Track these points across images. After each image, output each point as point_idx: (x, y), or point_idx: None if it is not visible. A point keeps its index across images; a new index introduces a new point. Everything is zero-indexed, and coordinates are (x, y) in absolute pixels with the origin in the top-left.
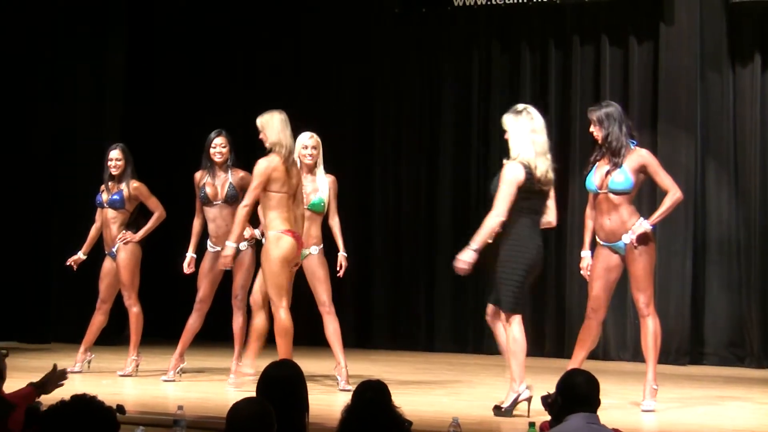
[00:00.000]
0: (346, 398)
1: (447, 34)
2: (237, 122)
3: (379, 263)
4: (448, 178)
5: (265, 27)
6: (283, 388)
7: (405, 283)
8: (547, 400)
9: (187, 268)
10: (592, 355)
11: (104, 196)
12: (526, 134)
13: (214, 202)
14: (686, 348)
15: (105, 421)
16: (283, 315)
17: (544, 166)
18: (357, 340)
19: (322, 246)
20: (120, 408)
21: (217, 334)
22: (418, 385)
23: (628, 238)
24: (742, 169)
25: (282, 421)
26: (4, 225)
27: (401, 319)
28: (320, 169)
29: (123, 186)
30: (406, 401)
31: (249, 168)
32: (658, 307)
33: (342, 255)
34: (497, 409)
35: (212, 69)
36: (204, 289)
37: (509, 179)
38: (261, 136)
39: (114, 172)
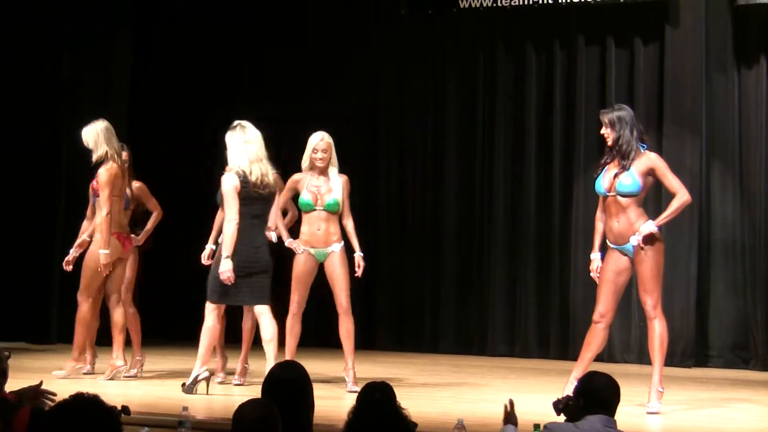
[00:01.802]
0: (352, 399)
1: (452, 35)
2: (244, 118)
3: (384, 265)
4: (453, 179)
5: (271, 27)
6: (288, 390)
7: (410, 285)
8: (558, 406)
9: (205, 259)
10: (597, 357)
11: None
12: (240, 146)
13: None
14: (691, 350)
15: (106, 421)
16: (85, 308)
17: (257, 171)
18: (362, 341)
19: (343, 244)
20: (125, 409)
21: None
22: (423, 387)
23: (635, 240)
24: (747, 171)
25: (287, 422)
26: (7, 225)
27: (406, 321)
28: (334, 170)
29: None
30: (411, 403)
31: None
32: (663, 309)
33: (358, 255)
34: (182, 386)
35: (218, 69)
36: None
37: (227, 189)
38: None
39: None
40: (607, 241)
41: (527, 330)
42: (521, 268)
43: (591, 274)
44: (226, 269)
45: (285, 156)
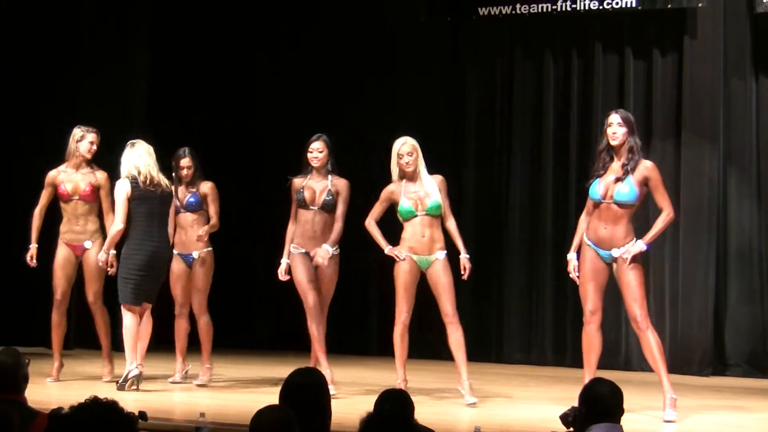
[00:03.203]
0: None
1: (471, 42)
2: (262, 125)
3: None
4: (471, 187)
5: (290, 34)
6: (305, 395)
7: (428, 292)
8: (567, 418)
9: (283, 275)
10: (613, 365)
11: (177, 201)
12: (128, 156)
13: (311, 207)
14: (709, 359)
15: (123, 426)
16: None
17: (146, 170)
18: (380, 348)
19: (446, 251)
20: (142, 414)
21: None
22: (441, 394)
23: (618, 253)
24: (764, 179)
25: (303, 428)
26: (23, 228)
27: (424, 329)
28: (425, 172)
29: (195, 187)
30: (429, 410)
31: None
32: (681, 319)
33: (464, 257)
34: (117, 384)
35: (236, 73)
36: (312, 295)
37: (117, 193)
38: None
39: (186, 180)
40: (585, 236)
41: (544, 337)
42: (538, 275)
43: (570, 275)
44: (101, 259)
45: (298, 160)
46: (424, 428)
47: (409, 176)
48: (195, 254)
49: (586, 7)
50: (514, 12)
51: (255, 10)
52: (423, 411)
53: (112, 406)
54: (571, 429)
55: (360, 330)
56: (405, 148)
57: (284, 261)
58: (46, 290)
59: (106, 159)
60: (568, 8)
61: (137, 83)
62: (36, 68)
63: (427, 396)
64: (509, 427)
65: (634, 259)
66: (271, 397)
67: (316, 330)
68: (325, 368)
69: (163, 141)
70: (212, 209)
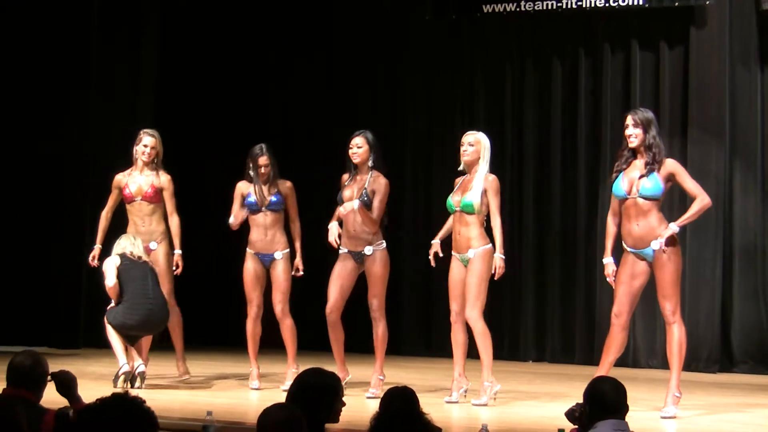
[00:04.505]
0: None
1: (477, 39)
2: (270, 125)
3: (410, 269)
4: None
5: (298, 33)
6: (313, 396)
7: (437, 290)
8: (574, 414)
9: (334, 240)
10: (622, 362)
11: (257, 199)
12: (114, 249)
13: None
14: (716, 356)
15: (145, 419)
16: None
17: (130, 250)
18: (388, 346)
19: (482, 249)
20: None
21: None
22: (449, 392)
23: (657, 244)
24: None
25: (310, 427)
26: (34, 227)
27: (433, 326)
28: (482, 169)
29: (276, 187)
30: (437, 408)
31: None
32: (688, 316)
33: (497, 256)
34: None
35: (245, 72)
36: (332, 299)
37: (107, 266)
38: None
39: (263, 178)
40: (623, 244)
41: (553, 336)
42: (549, 274)
43: (607, 279)
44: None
45: (308, 160)
46: (432, 425)
47: (468, 168)
48: (278, 255)
49: (593, 5)
50: (518, 9)
51: (264, 9)
52: (430, 409)
53: (131, 400)
54: (577, 426)
55: (366, 328)
56: (467, 138)
57: (334, 224)
58: (52, 290)
59: (112, 156)
60: (574, 6)
61: (145, 82)
62: (42, 69)
63: (433, 393)
64: (516, 425)
65: (671, 245)
66: (278, 395)
67: (331, 333)
68: (339, 371)
69: (170, 138)
70: (293, 211)
